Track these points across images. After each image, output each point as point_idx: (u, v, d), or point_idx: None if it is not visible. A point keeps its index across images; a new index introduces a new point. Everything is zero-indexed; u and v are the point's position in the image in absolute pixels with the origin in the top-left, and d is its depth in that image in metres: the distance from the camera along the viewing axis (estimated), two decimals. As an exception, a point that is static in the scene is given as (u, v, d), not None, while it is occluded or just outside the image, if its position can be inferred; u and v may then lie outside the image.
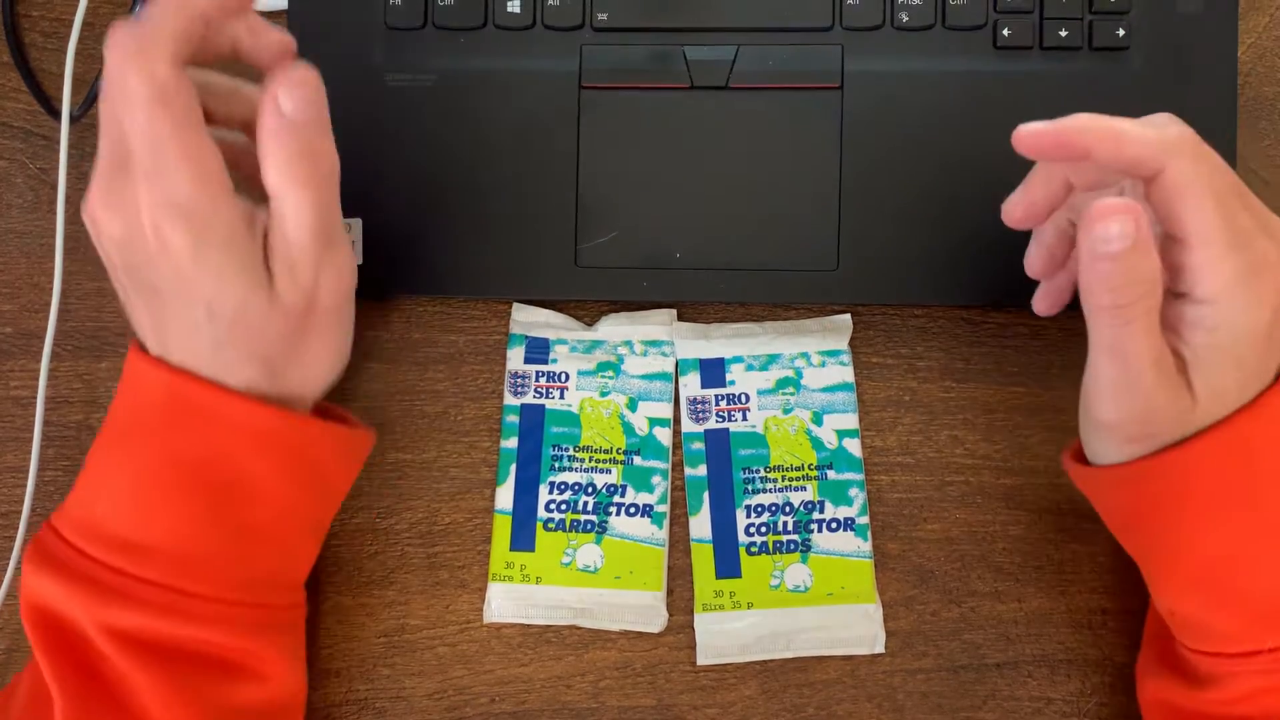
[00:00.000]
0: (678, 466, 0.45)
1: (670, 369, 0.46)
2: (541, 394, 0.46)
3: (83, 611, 0.34)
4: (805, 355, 0.46)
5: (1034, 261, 0.39)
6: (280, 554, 0.38)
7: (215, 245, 0.33)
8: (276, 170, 0.34)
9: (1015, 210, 0.36)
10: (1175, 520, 0.35)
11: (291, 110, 0.33)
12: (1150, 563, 0.37)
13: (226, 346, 0.34)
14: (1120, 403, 0.34)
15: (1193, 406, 0.33)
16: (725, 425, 0.46)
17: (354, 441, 0.39)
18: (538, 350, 0.46)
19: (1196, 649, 0.36)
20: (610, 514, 0.45)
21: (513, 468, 0.45)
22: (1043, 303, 0.40)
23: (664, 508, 0.45)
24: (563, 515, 0.45)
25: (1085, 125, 0.32)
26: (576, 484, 0.45)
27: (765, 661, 0.44)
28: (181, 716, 0.35)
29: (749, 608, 0.44)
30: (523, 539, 0.45)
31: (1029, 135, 0.33)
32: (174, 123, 0.32)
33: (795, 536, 0.44)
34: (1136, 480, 0.35)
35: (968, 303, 0.45)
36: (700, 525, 0.45)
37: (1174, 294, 0.33)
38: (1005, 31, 0.44)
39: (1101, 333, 0.33)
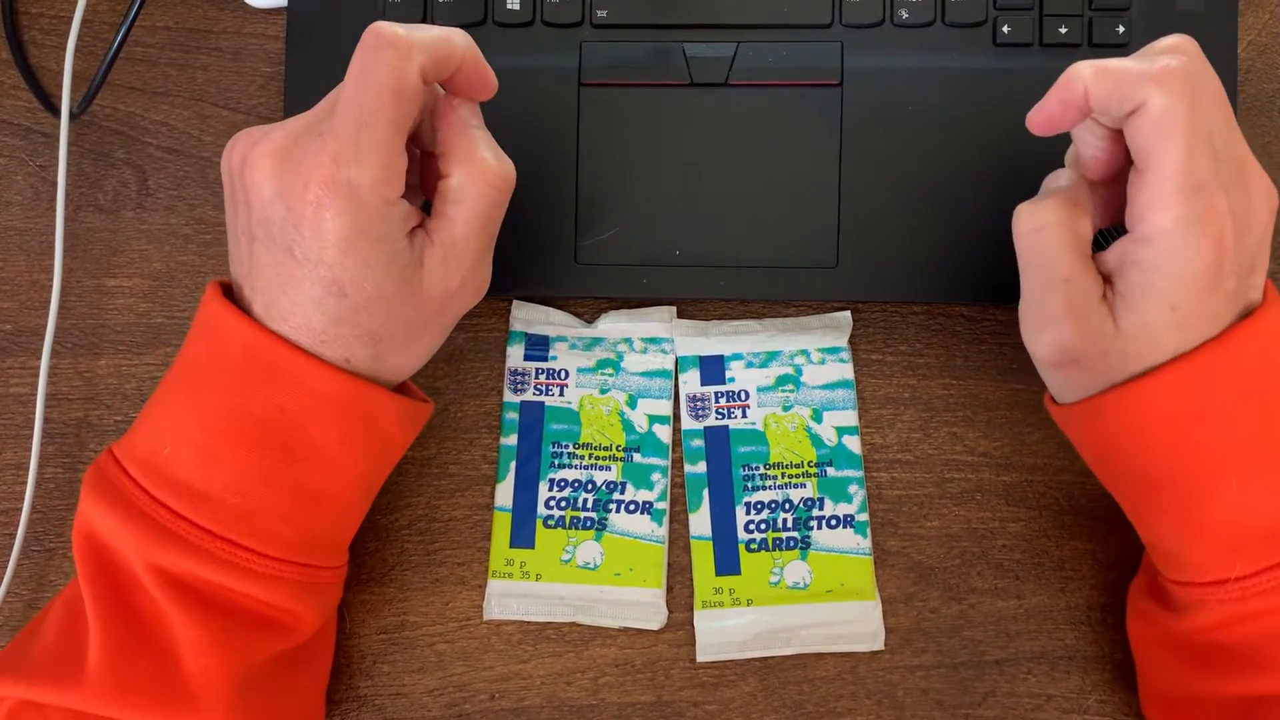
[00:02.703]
0: (677, 463, 0.45)
1: (670, 366, 0.46)
2: (541, 391, 0.46)
3: (134, 548, 0.35)
4: (805, 352, 0.46)
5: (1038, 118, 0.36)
6: (335, 517, 0.38)
7: (369, 239, 0.34)
8: (461, 170, 0.35)
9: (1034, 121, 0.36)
10: (1140, 452, 0.35)
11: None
12: (1123, 496, 0.38)
13: (345, 324, 0.35)
14: (1036, 321, 0.36)
15: (1114, 337, 0.34)
16: (725, 422, 0.46)
17: (417, 412, 0.40)
18: (537, 347, 0.46)
19: (1173, 579, 0.37)
20: (610, 511, 0.45)
21: (512, 465, 0.45)
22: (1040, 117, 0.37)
23: (664, 505, 0.45)
24: (562, 512, 0.45)
25: (1077, 73, 0.34)
26: (576, 481, 0.45)
27: (765, 658, 0.44)
28: (212, 663, 0.35)
29: (748, 604, 0.44)
30: (522, 536, 0.45)
31: (1036, 113, 0.35)
32: (392, 119, 0.33)
33: (795, 533, 0.44)
34: (1100, 412, 0.36)
35: (968, 300, 0.45)
36: (700, 522, 0.45)
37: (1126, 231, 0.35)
38: (1005, 28, 0.44)
39: (1020, 247, 0.36)
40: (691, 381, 0.46)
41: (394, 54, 0.33)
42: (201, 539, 0.35)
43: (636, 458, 0.45)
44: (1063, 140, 0.38)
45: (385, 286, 0.35)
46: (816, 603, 0.44)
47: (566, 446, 0.45)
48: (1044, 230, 0.35)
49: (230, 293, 0.37)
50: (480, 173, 0.35)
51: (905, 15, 0.44)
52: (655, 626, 0.44)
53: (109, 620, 0.35)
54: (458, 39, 0.35)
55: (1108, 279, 0.35)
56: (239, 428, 0.35)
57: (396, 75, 0.33)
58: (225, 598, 0.36)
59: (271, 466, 0.35)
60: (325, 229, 0.33)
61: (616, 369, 0.46)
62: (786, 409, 0.45)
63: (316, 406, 0.35)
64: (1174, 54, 0.33)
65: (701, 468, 0.45)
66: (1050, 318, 0.35)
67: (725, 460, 0.45)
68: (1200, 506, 0.35)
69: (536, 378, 0.46)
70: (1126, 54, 0.43)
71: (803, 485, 0.45)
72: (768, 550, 0.44)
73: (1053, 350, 0.35)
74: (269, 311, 0.35)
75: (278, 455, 0.35)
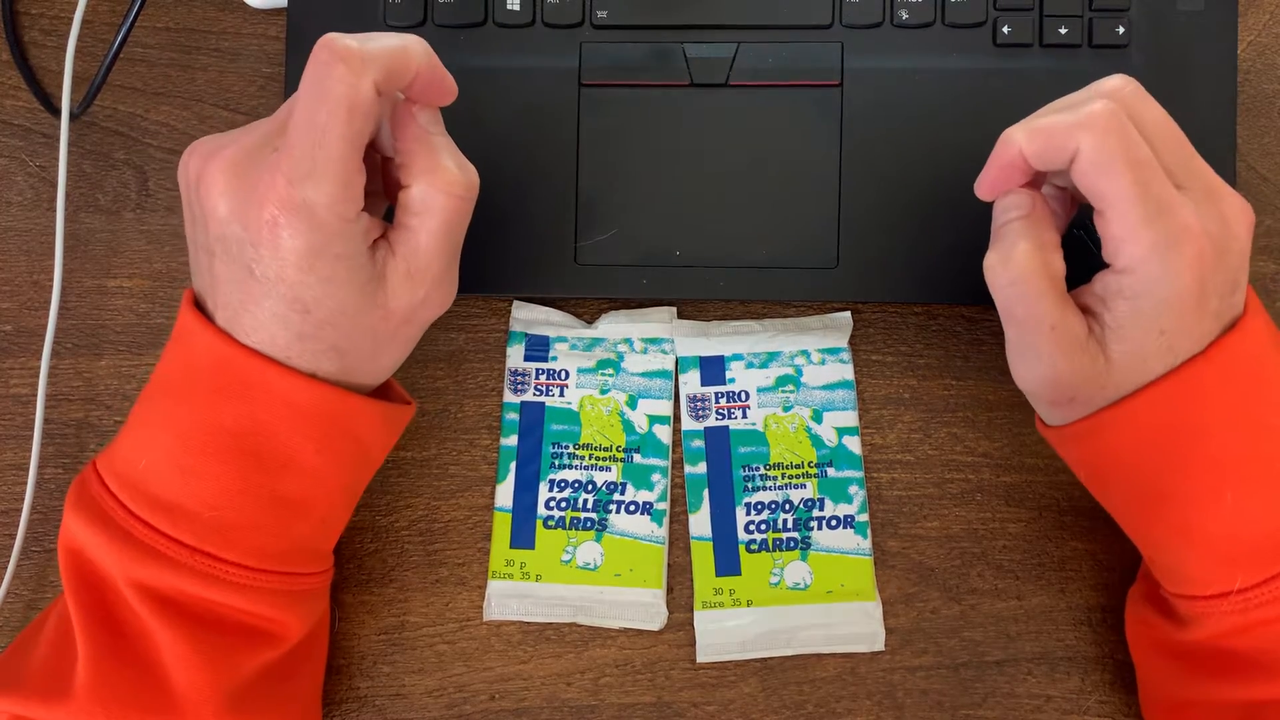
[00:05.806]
0: (677, 464, 0.45)
1: (670, 366, 0.46)
2: (541, 391, 0.46)
3: (115, 563, 0.35)
4: (805, 353, 0.46)
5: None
6: (314, 525, 0.38)
7: (329, 257, 0.33)
8: (423, 180, 0.35)
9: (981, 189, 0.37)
10: (1134, 470, 0.35)
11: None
12: (1121, 514, 0.38)
13: (310, 339, 0.35)
14: (1027, 366, 0.36)
15: (1107, 370, 0.34)
16: (725, 423, 0.46)
17: (396, 415, 0.39)
18: (538, 348, 0.46)
19: (1174, 592, 0.37)
20: (610, 511, 0.45)
21: (513, 465, 0.45)
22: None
23: (664, 505, 0.45)
24: (563, 513, 0.45)
25: (1011, 137, 0.34)
26: (576, 481, 0.45)
27: (765, 659, 0.44)
28: (198, 677, 0.35)
29: (749, 605, 0.44)
30: (523, 536, 0.45)
31: (981, 180, 0.36)
32: (348, 135, 0.33)
33: (795, 534, 0.44)
34: (1092, 433, 0.36)
35: (968, 300, 0.45)
36: (700, 523, 0.45)
37: (1104, 265, 0.35)
38: (1005, 29, 0.44)
39: (1000, 300, 0.35)
40: (692, 382, 0.46)
41: (346, 70, 0.32)
42: (179, 553, 0.35)
43: (637, 458, 0.45)
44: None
45: (348, 302, 0.34)
46: (817, 603, 0.44)
47: (567, 447, 0.45)
48: (1022, 282, 0.34)
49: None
50: (443, 183, 0.35)
51: (905, 16, 0.44)
52: (655, 627, 0.44)
53: (95, 635, 0.35)
54: (414, 48, 0.34)
55: (1088, 311, 0.35)
56: (213, 440, 0.35)
57: (350, 91, 0.32)
58: (208, 609, 0.36)
59: (247, 477, 0.35)
60: (283, 249, 0.33)
61: (617, 369, 0.46)
62: (787, 409, 0.45)
63: (289, 417, 0.35)
64: (1099, 98, 0.33)
65: (702, 468, 0.45)
66: (1042, 362, 0.35)
67: (725, 461, 0.45)
68: (1198, 520, 0.34)
69: (537, 378, 0.46)
70: (1126, 55, 0.44)
71: (803, 486, 0.45)
72: (768, 551, 0.44)
73: (1049, 390, 0.36)
74: (233, 326, 0.35)
75: (252, 466, 0.35)
